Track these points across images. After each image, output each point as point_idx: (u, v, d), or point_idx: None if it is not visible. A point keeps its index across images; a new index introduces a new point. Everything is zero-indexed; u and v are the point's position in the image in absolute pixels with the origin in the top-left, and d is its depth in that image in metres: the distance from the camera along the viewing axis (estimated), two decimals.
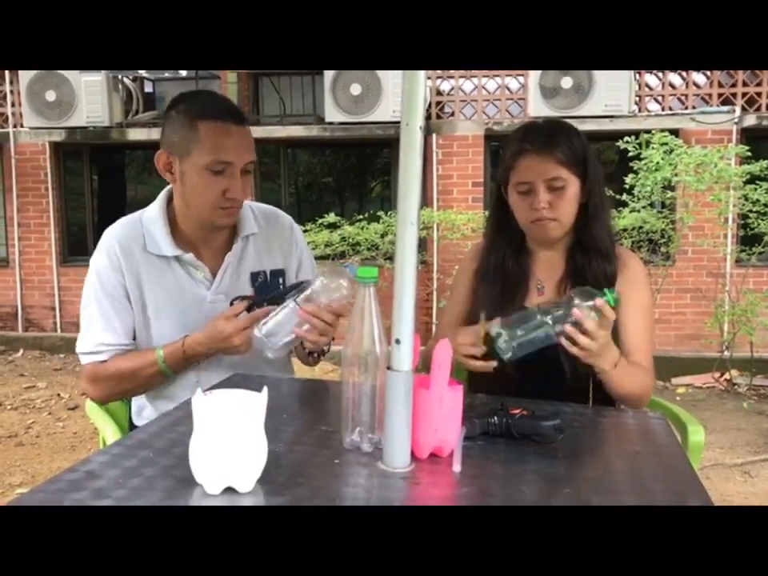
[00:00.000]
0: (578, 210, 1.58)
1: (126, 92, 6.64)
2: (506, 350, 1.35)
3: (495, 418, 1.19)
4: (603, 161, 5.76)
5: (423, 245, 6.04)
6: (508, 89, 6.23)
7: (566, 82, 5.51)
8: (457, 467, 1.06)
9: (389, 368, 1.04)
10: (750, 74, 5.87)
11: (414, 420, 1.06)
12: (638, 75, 5.90)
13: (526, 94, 5.98)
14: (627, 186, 5.03)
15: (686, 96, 5.98)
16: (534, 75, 5.60)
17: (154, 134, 6.40)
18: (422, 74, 1.01)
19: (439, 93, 6.33)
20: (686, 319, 5.85)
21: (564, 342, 1.33)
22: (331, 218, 5.66)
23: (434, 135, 6.09)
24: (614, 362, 1.42)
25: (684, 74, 5.97)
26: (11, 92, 6.68)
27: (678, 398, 4.94)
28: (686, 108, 5.93)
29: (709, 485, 3.31)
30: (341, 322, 1.41)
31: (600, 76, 5.45)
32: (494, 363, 1.41)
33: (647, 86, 6.06)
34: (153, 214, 1.61)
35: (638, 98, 5.94)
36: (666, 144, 4.93)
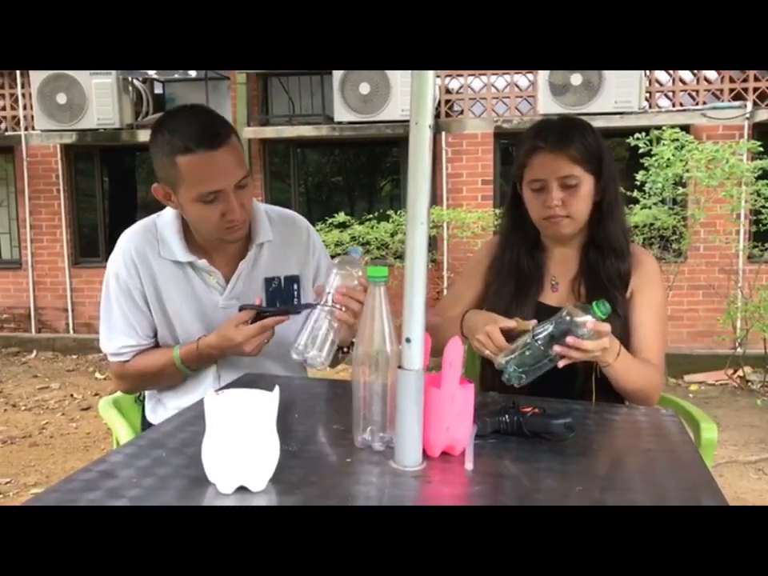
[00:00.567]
0: (592, 208, 1.58)
1: (136, 94, 6.68)
2: (515, 380, 1.35)
3: (507, 416, 1.19)
4: (614, 157, 5.73)
5: (433, 243, 6.04)
6: (517, 86, 6.21)
7: (576, 78, 5.49)
8: (469, 465, 1.06)
9: (400, 367, 1.04)
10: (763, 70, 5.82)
11: (426, 419, 1.06)
12: (648, 71, 5.87)
13: (535, 91, 5.97)
14: (638, 183, 5.01)
15: (697, 92, 5.94)
16: (543, 72, 5.58)
17: None
18: (430, 73, 1.01)
19: (448, 91, 6.32)
20: (699, 316, 5.81)
21: (563, 362, 1.33)
22: (341, 217, 5.67)
23: (443, 133, 6.09)
24: (616, 353, 1.41)
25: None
26: (22, 95, 6.73)
27: (690, 396, 4.91)
28: (697, 104, 5.89)
29: (722, 482, 3.29)
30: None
31: (610, 73, 5.42)
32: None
33: (657, 82, 6.03)
34: (167, 219, 1.61)
35: (648, 95, 5.90)
36: (677, 140, 4.90)
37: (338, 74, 5.84)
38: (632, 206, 5.00)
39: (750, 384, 5.13)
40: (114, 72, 6.24)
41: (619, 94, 5.49)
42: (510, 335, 1.41)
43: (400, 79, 5.71)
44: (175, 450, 1.11)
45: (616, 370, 1.43)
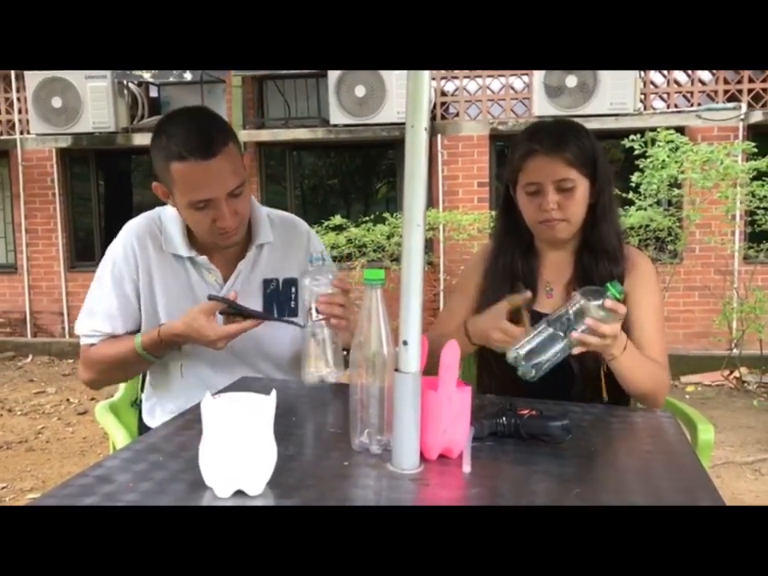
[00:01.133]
0: (586, 211, 1.58)
1: (132, 97, 6.68)
2: (527, 373, 1.32)
3: (504, 418, 1.19)
4: (609, 159, 5.75)
5: (429, 246, 6.05)
6: (512, 88, 6.23)
7: (571, 80, 5.50)
8: (467, 468, 1.06)
9: (396, 370, 1.04)
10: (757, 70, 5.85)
11: (423, 421, 1.06)
12: (643, 73, 5.88)
13: (530, 93, 5.98)
14: (633, 185, 5.02)
15: (692, 93, 5.96)
16: (538, 74, 5.59)
17: None
18: (426, 75, 1.01)
19: (444, 93, 6.33)
20: (695, 317, 5.83)
21: (577, 349, 1.32)
22: (337, 219, 5.67)
23: (438, 136, 6.10)
24: (623, 346, 1.39)
25: (689, 71, 5.95)
26: (18, 99, 6.73)
27: (687, 397, 4.92)
28: (692, 105, 5.91)
29: (720, 483, 3.30)
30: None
31: (605, 74, 5.44)
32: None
33: (652, 83, 6.05)
34: (171, 213, 1.62)
35: (643, 96, 5.92)
36: (672, 141, 4.92)
37: (333, 77, 5.85)
38: (627, 207, 5.01)
39: (746, 385, 5.14)
40: (109, 75, 6.24)
41: (614, 96, 5.51)
42: (516, 321, 1.41)
43: (395, 81, 5.72)
44: (172, 454, 1.11)
45: (623, 363, 1.41)
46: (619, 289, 1.30)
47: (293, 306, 1.67)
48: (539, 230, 1.60)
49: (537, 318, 1.56)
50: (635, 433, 1.31)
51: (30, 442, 4.10)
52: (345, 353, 1.53)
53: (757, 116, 5.69)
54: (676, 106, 5.95)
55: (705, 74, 6.00)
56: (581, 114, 5.38)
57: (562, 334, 1.31)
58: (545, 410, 1.22)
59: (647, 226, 5.11)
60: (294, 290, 1.67)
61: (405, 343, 1.03)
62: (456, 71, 6.23)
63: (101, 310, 1.60)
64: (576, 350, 1.32)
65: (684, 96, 6.02)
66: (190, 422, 1.25)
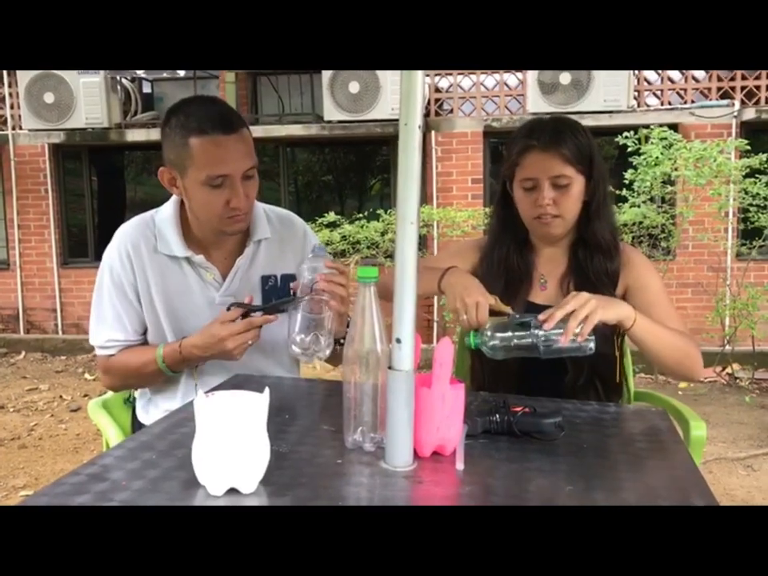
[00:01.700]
0: (581, 208, 1.58)
1: (125, 93, 6.65)
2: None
3: (497, 415, 1.19)
4: (603, 156, 5.77)
5: (423, 242, 6.05)
6: (506, 85, 6.23)
7: (565, 77, 5.50)
8: (460, 465, 1.06)
9: (390, 367, 1.04)
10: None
11: (416, 419, 1.06)
12: (636, 71, 5.90)
13: (524, 90, 5.98)
14: (627, 182, 5.03)
15: (685, 90, 5.97)
16: (532, 71, 5.59)
17: (152, 134, 6.40)
18: (419, 73, 1.01)
19: (438, 90, 6.32)
20: (688, 314, 5.84)
21: (570, 338, 1.30)
22: (331, 216, 5.66)
23: (432, 132, 6.09)
24: (632, 310, 1.37)
25: None
26: (10, 94, 6.69)
27: (679, 393, 4.94)
28: (685, 102, 5.93)
29: (711, 479, 3.31)
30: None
31: (598, 72, 5.43)
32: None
33: (646, 80, 6.05)
34: (166, 214, 1.62)
35: (636, 93, 5.93)
36: (665, 139, 4.93)
37: (327, 73, 5.84)
38: (621, 204, 5.02)
39: (738, 381, 5.17)
40: (101, 71, 6.21)
41: (608, 93, 5.51)
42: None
43: (389, 78, 5.71)
44: (165, 452, 1.11)
45: (642, 327, 1.38)
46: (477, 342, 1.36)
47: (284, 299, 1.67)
48: (534, 226, 1.61)
49: (531, 308, 1.57)
50: (628, 430, 1.31)
51: (22, 439, 4.09)
52: (338, 345, 1.52)
53: (750, 113, 5.71)
54: (669, 103, 5.97)
55: (698, 72, 6.00)
56: (575, 110, 5.39)
57: (540, 336, 1.33)
58: (538, 407, 1.22)
59: (640, 222, 5.12)
60: (292, 285, 1.67)
61: (398, 341, 1.03)
62: None
63: (108, 319, 1.60)
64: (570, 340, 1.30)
65: (677, 93, 6.03)
66: (183, 420, 1.25)
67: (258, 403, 0.96)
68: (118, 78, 6.51)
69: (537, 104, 5.58)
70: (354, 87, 5.82)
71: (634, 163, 5.02)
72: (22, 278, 6.90)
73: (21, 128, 6.63)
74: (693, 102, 5.91)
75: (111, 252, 1.61)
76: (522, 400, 1.31)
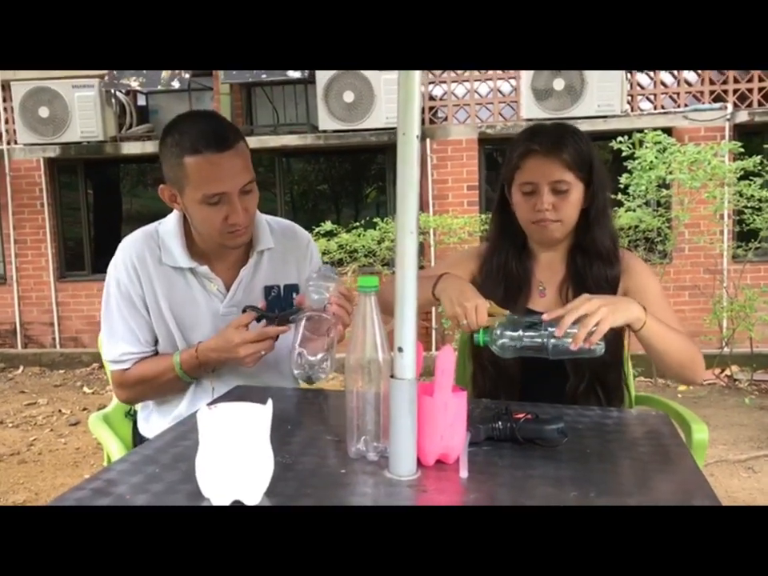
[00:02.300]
0: (579, 214, 1.58)
1: (119, 106, 6.65)
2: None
3: (499, 422, 1.19)
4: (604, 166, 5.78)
5: (420, 250, 6.02)
6: (500, 92, 6.25)
7: (558, 83, 5.52)
8: (464, 473, 1.06)
9: (392, 376, 1.04)
10: (741, 70, 5.89)
11: (419, 427, 1.06)
12: (629, 75, 5.92)
13: (518, 96, 6.00)
14: (622, 186, 5.05)
15: (678, 94, 6.00)
16: (525, 78, 5.61)
17: (148, 147, 6.41)
18: (416, 83, 1.01)
19: (432, 98, 6.34)
20: (685, 316, 5.85)
21: (580, 344, 1.27)
22: (328, 225, 5.66)
23: (427, 140, 6.10)
24: (643, 311, 1.35)
25: (675, 72, 6.00)
26: (5, 109, 6.70)
27: (679, 395, 4.94)
28: (678, 106, 5.95)
29: (713, 482, 3.31)
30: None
31: (592, 77, 5.46)
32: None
33: (639, 85, 6.08)
34: (169, 226, 1.62)
35: (630, 98, 5.96)
36: (660, 143, 4.95)
37: (321, 83, 5.85)
38: (617, 208, 5.04)
39: (737, 383, 5.17)
40: (96, 84, 6.22)
41: (601, 98, 5.53)
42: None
43: (383, 87, 5.72)
44: (168, 465, 1.11)
45: (650, 331, 1.37)
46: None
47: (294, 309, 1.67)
48: (532, 230, 1.61)
49: (530, 315, 1.57)
50: (630, 434, 1.31)
51: (22, 454, 4.07)
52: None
53: (742, 116, 5.74)
54: (663, 107, 5.99)
55: (690, 75, 6.04)
56: (569, 116, 5.41)
57: (549, 336, 1.30)
58: (540, 413, 1.22)
59: (636, 226, 5.13)
60: (294, 295, 1.68)
61: (400, 350, 1.03)
62: (444, 76, 6.25)
63: (120, 332, 1.60)
64: (588, 344, 1.27)
65: (670, 97, 6.06)
66: (185, 433, 1.25)
67: (261, 415, 0.96)
68: (113, 91, 6.51)
69: (531, 110, 5.60)
70: (348, 96, 5.83)
71: (628, 167, 5.04)
72: (19, 292, 6.89)
73: (16, 142, 6.64)
74: (686, 105, 5.94)
75: (117, 265, 1.61)
76: (524, 406, 1.31)
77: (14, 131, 6.57)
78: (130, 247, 1.61)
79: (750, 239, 5.27)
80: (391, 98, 5.71)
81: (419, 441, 1.07)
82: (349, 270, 5.62)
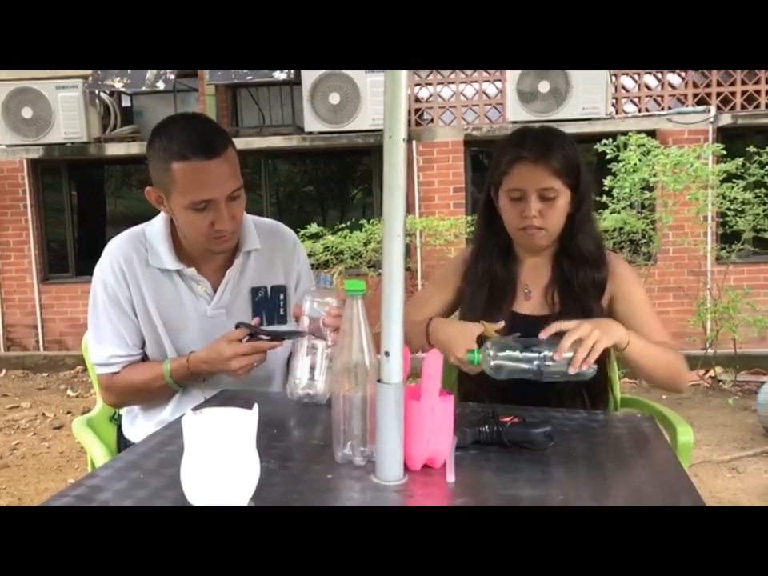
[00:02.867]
0: (565, 220, 1.59)
1: (104, 107, 6.61)
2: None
3: (486, 426, 1.19)
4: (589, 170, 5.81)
5: (406, 252, 6.03)
6: (486, 94, 6.27)
7: (544, 86, 5.54)
8: (451, 478, 1.06)
9: (379, 380, 1.04)
10: (724, 74, 5.95)
11: (406, 432, 1.06)
12: (614, 77, 5.96)
13: (504, 98, 6.02)
14: (606, 188, 5.08)
15: (662, 97, 6.05)
16: (511, 80, 5.63)
17: (132, 148, 6.36)
18: (403, 85, 1.01)
19: (418, 100, 6.35)
20: (670, 318, 5.89)
21: (578, 366, 1.28)
22: (313, 227, 5.65)
23: (413, 142, 6.11)
24: (626, 337, 1.37)
25: (659, 75, 6.04)
26: None
27: (663, 396, 4.96)
28: (663, 109, 6.00)
29: (698, 482, 3.33)
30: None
31: (577, 79, 5.49)
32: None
33: (624, 88, 6.12)
34: (156, 228, 1.61)
35: (614, 100, 5.99)
36: (643, 145, 4.98)
37: (307, 84, 5.84)
38: (601, 210, 5.06)
39: (721, 384, 5.21)
40: (80, 85, 6.17)
41: (586, 101, 5.56)
42: (480, 339, 1.40)
43: (369, 89, 5.72)
44: (153, 471, 1.10)
45: (634, 348, 1.39)
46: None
47: (282, 313, 1.67)
48: (519, 236, 1.62)
49: (515, 318, 1.58)
50: (617, 438, 1.32)
51: (5, 458, 4.02)
52: None
53: (726, 119, 5.79)
54: (647, 109, 6.04)
55: (674, 78, 6.09)
56: (554, 118, 5.43)
57: (545, 358, 1.29)
58: (527, 416, 1.22)
59: (621, 228, 5.16)
60: (282, 296, 1.67)
61: (387, 354, 1.03)
62: (430, 78, 6.26)
63: (108, 335, 1.59)
64: (581, 368, 1.29)
65: (655, 100, 6.11)
66: (171, 438, 1.24)
67: (247, 420, 0.95)
68: (97, 92, 6.47)
69: (516, 113, 5.62)
70: (334, 98, 5.83)
71: (613, 170, 5.07)
72: (2, 294, 6.82)
73: None
74: (670, 108, 5.98)
75: (103, 267, 1.59)
76: (510, 410, 1.31)
77: None
78: (117, 249, 1.60)
79: (733, 241, 5.31)
80: (377, 99, 5.71)
81: (406, 445, 1.06)
82: (335, 271, 5.61)
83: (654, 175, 4.98)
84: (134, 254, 1.58)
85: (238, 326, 1.50)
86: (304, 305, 1.40)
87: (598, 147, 5.08)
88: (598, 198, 4.96)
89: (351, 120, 5.85)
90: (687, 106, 5.95)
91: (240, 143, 6.21)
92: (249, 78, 6.10)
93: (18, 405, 5.25)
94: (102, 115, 6.56)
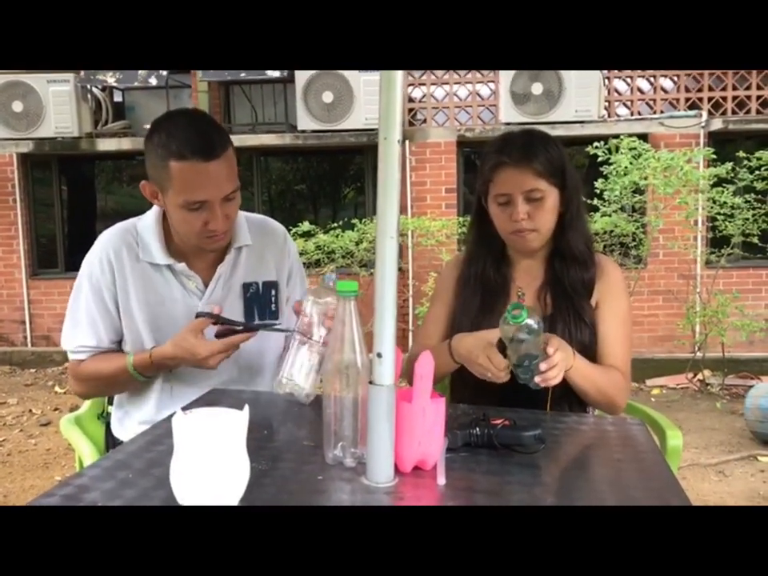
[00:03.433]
0: (556, 219, 1.59)
1: (95, 102, 6.56)
2: (529, 381, 1.37)
3: (477, 429, 1.19)
4: (574, 166, 5.83)
5: (398, 252, 6.04)
6: (479, 95, 6.28)
7: (537, 88, 5.56)
8: (441, 480, 1.05)
9: (371, 382, 1.04)
10: (716, 78, 5.98)
11: (397, 433, 1.05)
12: (606, 81, 5.98)
13: (497, 100, 6.03)
14: (598, 191, 5.09)
15: (654, 101, 6.07)
16: (504, 81, 5.64)
17: (123, 143, 6.33)
18: (399, 86, 1.00)
19: (411, 100, 6.35)
20: (659, 321, 5.92)
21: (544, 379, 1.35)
22: (305, 226, 5.64)
23: (406, 142, 6.10)
24: (571, 356, 1.43)
25: (652, 79, 6.07)
26: None
27: (652, 399, 4.99)
28: (655, 113, 6.02)
29: (685, 485, 3.33)
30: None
31: (570, 82, 5.50)
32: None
33: (616, 91, 6.15)
34: (148, 222, 1.60)
35: (607, 104, 6.01)
36: (634, 149, 5.00)
37: (300, 82, 5.82)
38: (592, 213, 5.08)
39: (709, 387, 5.24)
40: (72, 79, 6.12)
41: (579, 103, 5.57)
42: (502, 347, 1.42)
43: (363, 88, 5.71)
44: (142, 471, 1.09)
45: (576, 369, 1.44)
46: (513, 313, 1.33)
47: (273, 309, 1.67)
48: (511, 240, 1.62)
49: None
50: (606, 441, 1.32)
51: None
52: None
53: (717, 124, 5.82)
54: (639, 113, 6.06)
55: (667, 82, 6.11)
56: (547, 121, 5.44)
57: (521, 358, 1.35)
58: (517, 419, 1.22)
59: (612, 231, 5.18)
60: (273, 292, 1.67)
61: (379, 355, 1.02)
62: (423, 78, 6.26)
63: (83, 324, 1.58)
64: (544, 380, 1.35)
65: (647, 104, 6.13)
66: (159, 437, 1.23)
67: (237, 420, 0.95)
68: (89, 86, 6.43)
69: (509, 114, 5.63)
70: (327, 97, 5.82)
71: (604, 173, 5.09)
72: None
73: None
74: (662, 112, 6.01)
75: (92, 258, 1.59)
76: (501, 413, 1.31)
77: None
78: (108, 242, 1.59)
79: (723, 245, 5.35)
80: (370, 99, 5.70)
81: (397, 447, 1.06)
82: (327, 270, 5.60)
83: (645, 178, 5.00)
84: (125, 247, 1.58)
85: (198, 316, 1.49)
86: (305, 303, 1.40)
87: (590, 150, 5.09)
88: (589, 201, 4.97)
89: (344, 119, 5.84)
90: (679, 110, 5.98)
91: (232, 140, 6.22)
92: (242, 75, 6.08)
93: (5, 401, 5.21)
94: (93, 110, 6.51)
